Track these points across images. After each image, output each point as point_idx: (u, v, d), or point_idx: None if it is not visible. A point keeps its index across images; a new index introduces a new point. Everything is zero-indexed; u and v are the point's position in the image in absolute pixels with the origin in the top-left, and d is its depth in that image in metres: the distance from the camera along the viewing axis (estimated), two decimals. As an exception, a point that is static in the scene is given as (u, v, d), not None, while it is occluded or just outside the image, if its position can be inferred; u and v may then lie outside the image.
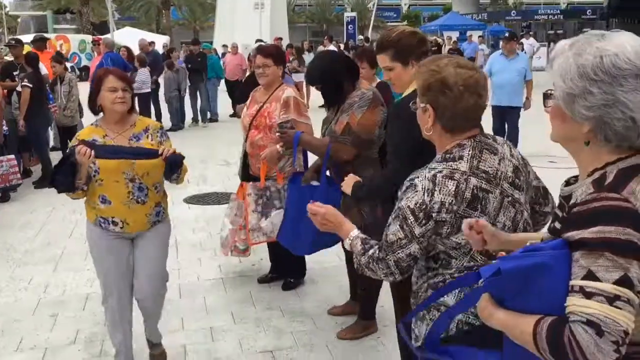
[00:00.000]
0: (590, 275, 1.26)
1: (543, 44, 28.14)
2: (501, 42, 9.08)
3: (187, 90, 13.08)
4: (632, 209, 1.29)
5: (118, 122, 3.20)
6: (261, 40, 15.44)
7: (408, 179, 1.89)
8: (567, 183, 1.52)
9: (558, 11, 47.16)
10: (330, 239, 3.71)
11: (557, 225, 1.43)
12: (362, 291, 3.91)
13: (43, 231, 6.25)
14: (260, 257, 5.25)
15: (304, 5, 56.88)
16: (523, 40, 21.94)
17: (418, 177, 1.86)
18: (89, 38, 29.00)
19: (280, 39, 19.62)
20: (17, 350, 3.85)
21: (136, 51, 13.15)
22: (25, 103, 7.87)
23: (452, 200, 1.82)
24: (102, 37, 14.02)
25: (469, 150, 1.90)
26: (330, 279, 4.80)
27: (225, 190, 7.64)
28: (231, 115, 13.97)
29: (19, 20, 56.85)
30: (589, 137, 1.38)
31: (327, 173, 3.73)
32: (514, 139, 8.10)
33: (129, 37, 25.65)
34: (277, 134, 3.84)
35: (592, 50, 1.32)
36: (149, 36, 20.88)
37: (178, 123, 12.93)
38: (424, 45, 2.85)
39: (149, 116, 12.10)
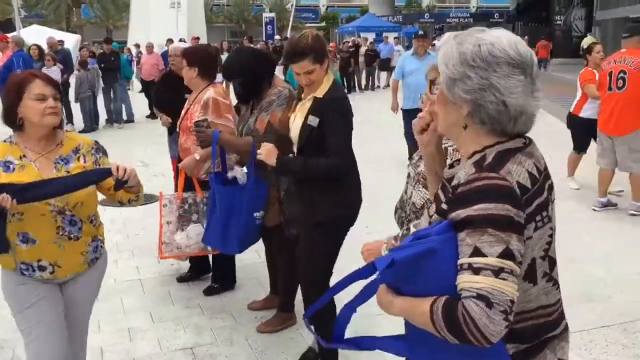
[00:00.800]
0: (477, 252, 1.37)
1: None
2: (414, 41, 8.48)
3: (101, 91, 12.72)
4: (508, 186, 1.41)
5: (42, 139, 2.54)
6: (171, 40, 15.21)
7: None
8: (450, 166, 1.64)
9: (468, 14, 49.07)
10: (256, 236, 3.77)
11: (444, 206, 1.53)
12: (284, 284, 3.97)
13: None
14: (179, 257, 5.22)
15: (222, 5, 56.33)
16: (436, 42, 22.71)
17: None
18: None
19: (198, 38, 19.40)
20: None
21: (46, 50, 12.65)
22: None
23: None
24: (9, 35, 13.35)
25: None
26: (250, 275, 4.85)
27: (144, 192, 7.49)
28: (148, 117, 13.71)
29: None
30: (467, 120, 1.50)
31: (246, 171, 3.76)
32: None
33: (36, 36, 24.40)
34: (194, 132, 3.79)
35: (472, 40, 1.47)
36: (59, 35, 20.02)
37: (92, 124, 12.56)
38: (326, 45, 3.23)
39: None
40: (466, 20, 45.25)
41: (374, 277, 1.49)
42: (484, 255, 1.36)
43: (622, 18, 29.92)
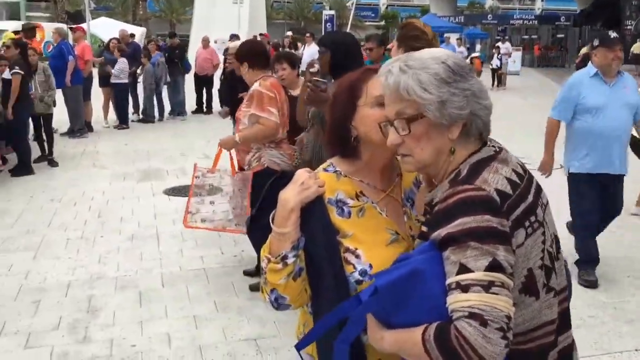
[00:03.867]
0: (463, 269, 1.27)
1: (518, 48, 28.59)
2: (599, 52, 4.51)
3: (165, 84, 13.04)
4: (486, 195, 1.32)
5: (385, 169, 1.69)
6: (236, 36, 15.40)
7: None
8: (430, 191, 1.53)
9: (533, 16, 47.86)
10: None
11: (424, 228, 1.45)
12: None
13: (21, 219, 6.20)
14: (242, 249, 5.31)
15: (283, 2, 56.81)
16: (499, 44, 22.30)
17: None
18: (64, 27, 28.52)
19: (264, 34, 19.59)
20: (0, 335, 3.86)
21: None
22: (15, 91, 7.82)
23: None
24: (80, 25, 13.84)
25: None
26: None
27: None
28: (194, 112, 13.96)
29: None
30: (455, 141, 1.42)
31: None
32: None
33: (104, 28, 25.35)
34: (309, 86, 3.45)
35: (431, 62, 1.40)
36: (126, 27, 20.62)
37: (153, 115, 12.87)
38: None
39: (126, 107, 12.07)
40: (531, 22, 44.17)
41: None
42: (470, 271, 1.26)
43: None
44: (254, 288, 4.43)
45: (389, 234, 1.60)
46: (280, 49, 16.14)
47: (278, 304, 1.56)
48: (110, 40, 12.58)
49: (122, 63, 11.82)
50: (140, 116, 12.87)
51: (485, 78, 22.79)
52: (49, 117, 9.03)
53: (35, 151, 8.70)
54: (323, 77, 3.93)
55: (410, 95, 1.39)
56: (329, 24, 38.43)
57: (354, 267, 1.53)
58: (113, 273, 4.85)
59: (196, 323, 4.03)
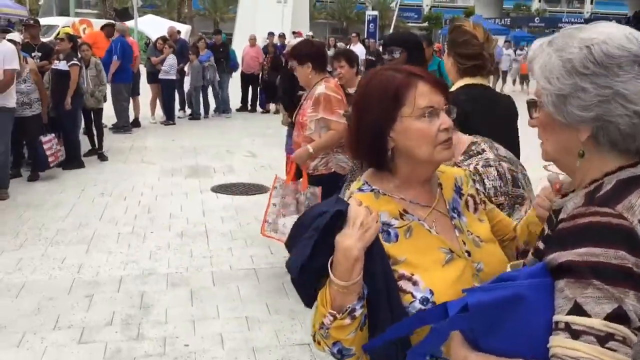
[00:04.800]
0: (577, 309, 1.05)
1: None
2: None
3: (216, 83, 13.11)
4: (626, 226, 1.07)
5: (425, 183, 1.54)
6: (272, 34, 15.39)
7: None
8: (563, 195, 1.31)
9: (582, 20, 46.78)
10: None
11: (541, 244, 1.26)
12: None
13: (73, 212, 6.26)
14: (292, 250, 5.24)
15: (325, 2, 56.79)
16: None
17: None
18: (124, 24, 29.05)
19: (298, 32, 19.57)
20: (54, 329, 3.86)
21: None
22: (74, 82, 7.96)
23: (500, 184, 2.01)
24: (126, 22, 14.00)
25: (484, 144, 2.11)
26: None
27: (252, 182, 7.63)
28: (238, 110, 13.96)
29: (40, 2, 57.09)
30: (586, 145, 1.19)
31: None
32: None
33: (151, 25, 25.74)
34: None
35: (575, 43, 1.16)
36: (172, 25, 20.80)
37: (199, 112, 12.94)
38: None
39: (173, 104, 12.16)
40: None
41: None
42: (586, 315, 1.04)
43: None
44: None
45: (442, 253, 1.44)
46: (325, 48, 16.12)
47: (342, 355, 1.39)
48: (157, 39, 12.69)
49: (171, 59, 11.91)
50: (187, 113, 12.97)
51: (533, 82, 22.36)
52: (99, 112, 9.13)
53: (85, 145, 8.80)
54: None
55: (534, 77, 1.22)
56: (371, 24, 38.22)
57: (413, 296, 1.37)
58: (164, 269, 4.84)
59: (248, 324, 3.97)
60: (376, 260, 1.36)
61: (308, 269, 1.37)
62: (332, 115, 4.05)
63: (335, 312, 1.33)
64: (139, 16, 25.65)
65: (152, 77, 12.07)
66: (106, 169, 8.25)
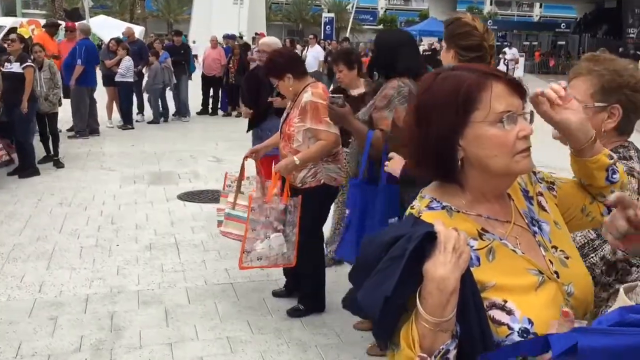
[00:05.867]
0: None
1: (521, 54, 28.41)
2: None
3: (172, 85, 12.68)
4: None
5: (500, 196, 1.34)
6: (233, 36, 15.10)
7: None
8: None
9: (531, 23, 47.84)
10: None
11: None
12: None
13: (30, 224, 5.83)
14: (269, 262, 4.98)
15: (281, 4, 56.57)
16: (506, 49, 22.08)
17: None
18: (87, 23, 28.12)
19: (260, 33, 19.28)
20: (16, 357, 3.50)
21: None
22: (30, 84, 7.51)
23: (637, 198, 1.72)
24: (76, 23, 13.41)
25: (634, 152, 1.82)
26: (346, 289, 4.54)
27: (220, 189, 7.30)
28: (199, 113, 13.60)
29: (-15, 2, 55.03)
30: None
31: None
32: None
33: (103, 26, 24.95)
34: (328, 107, 3.27)
35: None
36: (125, 26, 20.14)
37: (160, 116, 12.52)
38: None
39: (131, 107, 11.69)
40: (530, 28, 44.19)
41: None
42: None
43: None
44: (292, 314, 4.09)
45: (533, 275, 1.24)
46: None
47: None
48: (110, 40, 12.19)
49: (127, 61, 11.46)
50: (144, 116, 12.52)
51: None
52: (54, 116, 8.65)
53: (39, 151, 8.31)
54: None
55: None
56: (328, 26, 38.18)
57: (509, 328, 1.16)
58: (134, 286, 4.50)
59: (231, 346, 3.69)
60: (467, 291, 1.13)
61: (390, 304, 1.12)
62: (320, 124, 3.76)
63: (425, 356, 1.10)
64: (90, 17, 24.87)
65: (108, 80, 11.57)
66: (63, 177, 7.79)
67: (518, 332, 1.16)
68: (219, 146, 10.06)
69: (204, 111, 13.79)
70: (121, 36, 13.35)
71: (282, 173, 3.86)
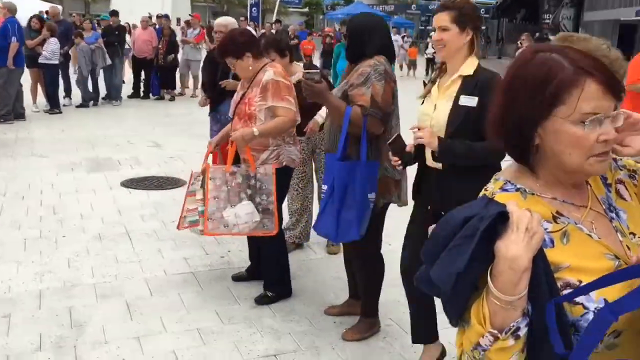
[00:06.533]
0: None
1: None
2: None
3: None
4: None
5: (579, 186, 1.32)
6: (167, 17, 14.65)
7: None
8: None
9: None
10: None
11: None
12: (365, 287, 3.66)
13: (-36, 216, 5.45)
14: (228, 249, 4.86)
15: (205, -16, 55.24)
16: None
17: None
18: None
19: (195, 15, 18.73)
20: (-29, 360, 3.26)
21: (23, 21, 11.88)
22: None
23: None
24: (1, 1, 12.57)
25: None
26: (313, 273, 4.52)
27: (164, 174, 7.08)
28: (130, 97, 13.14)
29: None
30: None
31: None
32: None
33: (17, 4, 23.49)
34: (303, 82, 3.22)
35: None
36: (41, 5, 19.00)
37: (89, 100, 11.98)
38: (480, 21, 2.90)
39: (57, 90, 11.11)
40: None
41: None
42: None
43: (610, 20, 30.19)
44: (260, 301, 4.01)
45: (609, 260, 1.24)
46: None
47: None
48: (32, 18, 11.51)
49: (53, 43, 10.85)
50: (71, 99, 11.93)
51: (420, 67, 22.98)
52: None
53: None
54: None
55: None
56: (254, 8, 37.65)
57: (584, 307, 1.17)
58: (89, 279, 4.28)
59: (202, 337, 3.57)
60: (539, 270, 1.13)
61: (462, 281, 1.14)
62: (282, 102, 3.71)
63: (496, 332, 1.13)
64: (3, -6, 23.42)
65: (31, 61, 10.87)
66: (-8, 165, 7.32)
67: (594, 312, 1.16)
68: (156, 131, 9.75)
69: (135, 94, 13.31)
70: (45, 16, 12.61)
71: (238, 143, 3.77)
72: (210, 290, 4.19)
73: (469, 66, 2.77)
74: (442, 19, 2.77)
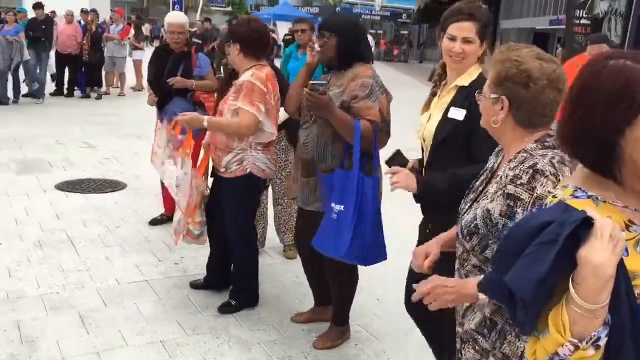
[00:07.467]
0: None
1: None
2: None
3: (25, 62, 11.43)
4: None
5: None
6: (94, 11, 14.05)
7: (527, 167, 1.65)
8: None
9: (374, 12, 49.82)
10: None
11: None
12: (339, 296, 3.57)
13: None
14: (181, 256, 4.67)
15: (124, -21, 53.50)
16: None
17: (538, 164, 1.64)
18: None
19: (117, 10, 18.04)
20: None
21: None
22: None
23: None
24: None
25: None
26: (273, 279, 4.40)
27: (100, 177, 6.73)
28: (52, 94, 12.51)
29: None
30: None
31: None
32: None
33: None
34: (306, 94, 3.03)
35: None
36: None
37: (8, 97, 11.25)
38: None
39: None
40: (376, 17, 46.06)
41: None
42: None
43: (525, 29, 31.61)
44: (224, 311, 3.85)
45: None
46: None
47: None
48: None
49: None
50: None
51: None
52: None
53: None
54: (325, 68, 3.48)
55: None
56: (177, 6, 36.78)
57: None
58: (34, 291, 3.98)
59: (168, 350, 3.39)
60: (620, 279, 1.11)
61: (541, 287, 1.12)
62: (250, 106, 3.50)
63: (577, 341, 1.11)
64: None
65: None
66: None
67: None
68: (86, 130, 9.29)
69: (58, 92, 12.65)
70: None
71: (183, 124, 3.66)
72: (169, 300, 4.00)
73: (468, 76, 2.60)
74: (468, 29, 2.53)
